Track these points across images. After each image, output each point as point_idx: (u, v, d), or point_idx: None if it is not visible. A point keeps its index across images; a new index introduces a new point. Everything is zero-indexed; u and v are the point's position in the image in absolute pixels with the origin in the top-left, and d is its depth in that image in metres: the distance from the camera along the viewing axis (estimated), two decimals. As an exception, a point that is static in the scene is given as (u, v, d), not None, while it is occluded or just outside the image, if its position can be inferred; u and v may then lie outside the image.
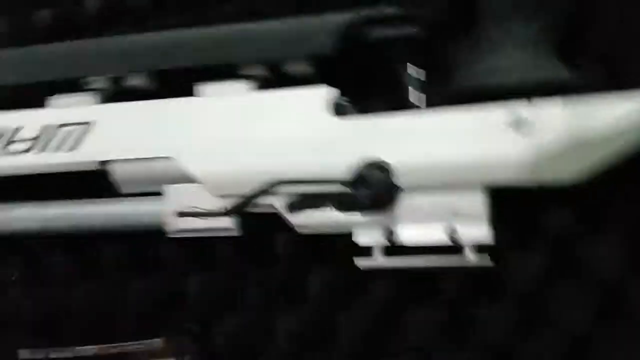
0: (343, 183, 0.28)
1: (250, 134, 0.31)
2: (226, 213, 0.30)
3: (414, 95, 0.32)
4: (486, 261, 0.29)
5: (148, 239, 0.34)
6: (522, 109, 0.28)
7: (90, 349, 0.34)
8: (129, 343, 0.33)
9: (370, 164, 0.28)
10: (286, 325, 0.33)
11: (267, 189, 0.29)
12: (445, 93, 0.31)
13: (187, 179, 0.32)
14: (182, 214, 0.31)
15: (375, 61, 0.33)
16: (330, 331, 0.32)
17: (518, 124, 0.28)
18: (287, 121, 0.31)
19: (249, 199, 0.30)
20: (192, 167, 0.32)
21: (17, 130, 0.34)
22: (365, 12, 0.31)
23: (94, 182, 0.34)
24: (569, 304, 0.30)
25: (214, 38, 0.32)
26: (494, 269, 0.29)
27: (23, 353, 0.35)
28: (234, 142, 0.31)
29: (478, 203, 0.29)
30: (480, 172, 0.28)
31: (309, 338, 0.32)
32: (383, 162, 0.28)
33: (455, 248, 0.29)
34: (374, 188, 0.28)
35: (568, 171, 0.27)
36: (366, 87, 0.33)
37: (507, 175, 0.28)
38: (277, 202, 0.31)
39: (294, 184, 0.29)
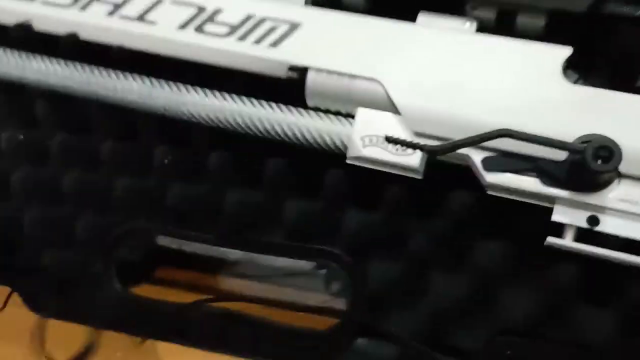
0: (572, 151, 0.26)
1: (469, 78, 0.29)
2: (428, 151, 0.29)
3: None
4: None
5: (315, 160, 0.33)
6: None
7: (232, 253, 0.34)
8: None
9: (598, 140, 0.26)
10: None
11: (489, 137, 0.27)
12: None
13: (385, 107, 0.31)
14: (389, 139, 0.29)
15: (610, 38, 0.31)
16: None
17: None
18: (514, 73, 0.29)
19: (462, 143, 0.28)
20: (398, 95, 0.30)
21: (217, 11, 0.33)
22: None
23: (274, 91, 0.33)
24: None
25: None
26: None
27: (162, 239, 0.35)
28: (449, 81, 0.30)
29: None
30: None
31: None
32: (612, 142, 0.26)
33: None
34: (593, 166, 0.26)
35: None
36: (592, 63, 0.31)
37: None
38: (477, 156, 0.30)
39: (520, 139, 0.27)
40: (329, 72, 0.31)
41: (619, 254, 0.28)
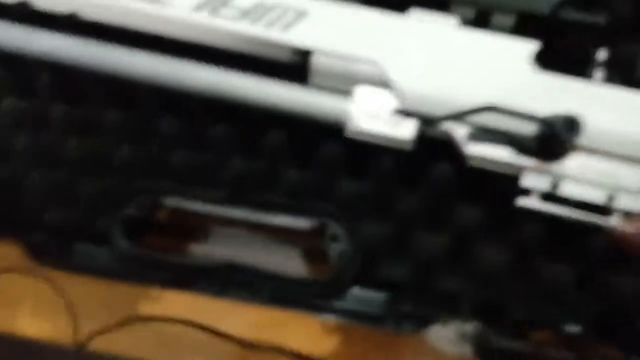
0: (546, 123, 0.32)
1: (453, 63, 0.35)
2: (424, 120, 0.33)
3: (597, 76, 0.36)
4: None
5: (312, 133, 0.37)
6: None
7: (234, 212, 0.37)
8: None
9: (563, 116, 0.32)
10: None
11: (477, 111, 0.32)
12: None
13: (381, 84, 0.35)
14: (393, 111, 0.34)
15: (566, 38, 0.37)
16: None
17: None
18: (491, 62, 0.34)
19: (454, 115, 0.33)
20: (394, 74, 0.35)
21: (229, -3, 0.37)
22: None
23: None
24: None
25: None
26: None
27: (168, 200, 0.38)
28: (437, 64, 0.35)
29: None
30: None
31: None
32: (575, 117, 0.32)
33: (605, 210, 0.33)
34: (562, 135, 0.32)
35: None
36: (552, 60, 0.37)
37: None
38: (460, 130, 0.35)
39: (501, 112, 0.32)
40: (333, 53, 0.36)
41: (576, 211, 0.34)
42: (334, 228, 0.35)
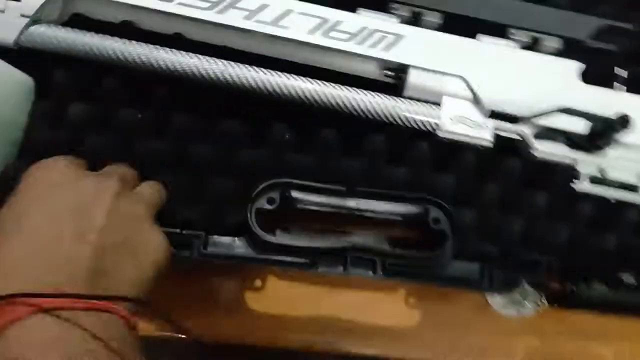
0: (596, 119, 0.41)
1: (520, 77, 0.44)
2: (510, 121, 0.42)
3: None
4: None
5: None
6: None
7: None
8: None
9: (620, 115, 0.42)
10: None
11: (551, 110, 0.42)
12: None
13: (464, 96, 0.44)
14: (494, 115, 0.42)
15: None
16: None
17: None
18: (549, 77, 0.44)
19: (523, 119, 0.42)
20: (476, 86, 0.43)
21: (338, 22, 0.44)
22: (613, 22, 0.45)
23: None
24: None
25: (510, 8, 0.45)
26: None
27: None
28: (507, 78, 0.44)
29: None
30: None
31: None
32: (627, 116, 0.42)
33: (635, 188, 0.44)
34: (612, 132, 0.42)
35: None
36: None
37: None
38: (526, 130, 0.44)
39: (573, 114, 0.42)
40: (426, 70, 0.44)
41: (618, 192, 0.44)
42: (436, 212, 0.42)
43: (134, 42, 0.43)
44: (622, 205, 0.44)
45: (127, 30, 0.45)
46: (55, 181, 0.36)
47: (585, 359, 0.48)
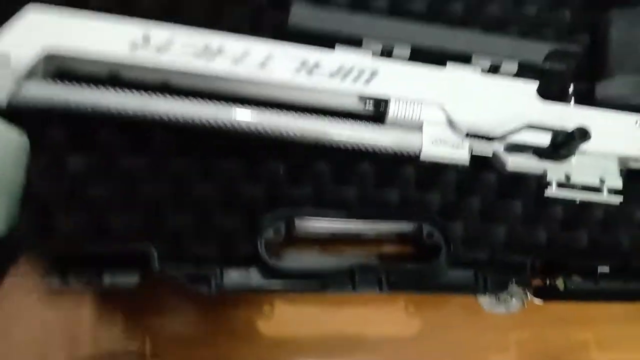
0: (558, 133, 0.47)
1: (488, 100, 0.48)
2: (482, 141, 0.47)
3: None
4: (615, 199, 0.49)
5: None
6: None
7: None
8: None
9: (579, 127, 0.47)
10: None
11: (519, 129, 0.46)
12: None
13: (441, 120, 0.48)
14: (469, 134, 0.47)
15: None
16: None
17: None
18: (512, 97, 0.49)
19: (495, 138, 0.47)
20: (452, 111, 0.48)
21: (318, 62, 0.47)
22: (560, 46, 0.51)
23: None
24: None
25: (471, 39, 0.50)
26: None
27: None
28: (478, 101, 0.48)
29: (615, 168, 0.49)
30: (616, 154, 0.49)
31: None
32: (586, 128, 0.47)
33: (597, 189, 0.49)
34: (575, 142, 0.47)
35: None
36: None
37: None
38: (497, 146, 0.48)
39: (536, 129, 0.47)
40: (406, 100, 0.48)
41: (585, 193, 0.49)
42: (428, 228, 0.46)
43: (126, 91, 0.45)
44: (588, 205, 0.49)
45: (117, 81, 0.47)
46: None
47: (571, 344, 0.54)
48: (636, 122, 0.50)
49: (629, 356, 0.58)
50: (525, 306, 0.51)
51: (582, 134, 0.46)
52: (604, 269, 0.48)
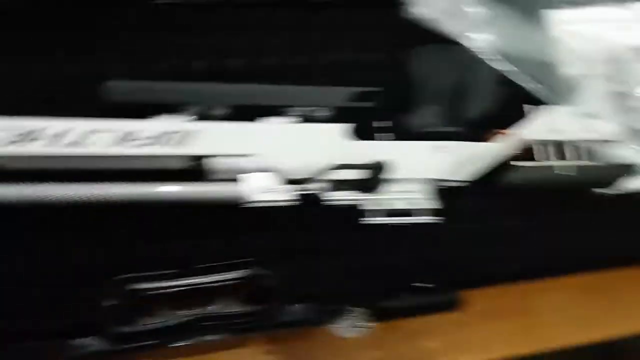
0: (367, 166, 0.52)
1: (301, 144, 0.54)
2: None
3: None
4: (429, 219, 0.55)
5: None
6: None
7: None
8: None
9: (376, 161, 0.53)
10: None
11: (333, 169, 0.51)
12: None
13: (264, 169, 0.52)
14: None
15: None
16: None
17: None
18: (326, 140, 0.54)
19: (312, 179, 0.51)
20: (272, 160, 0.52)
21: (137, 131, 0.50)
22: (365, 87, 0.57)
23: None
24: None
25: (284, 92, 0.55)
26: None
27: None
28: (295, 148, 0.53)
29: (420, 189, 0.56)
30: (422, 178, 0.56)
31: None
32: (382, 161, 0.53)
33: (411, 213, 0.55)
34: (374, 177, 0.53)
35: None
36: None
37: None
38: (319, 186, 0.53)
39: (339, 168, 0.52)
40: (223, 155, 0.52)
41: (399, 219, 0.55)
42: (259, 271, 0.50)
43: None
44: (405, 227, 0.55)
45: None
46: None
47: (420, 353, 0.59)
48: (433, 148, 0.57)
49: (478, 356, 0.64)
50: (374, 327, 0.56)
51: (378, 167, 0.52)
52: (424, 284, 0.54)
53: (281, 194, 0.52)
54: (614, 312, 0.69)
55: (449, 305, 0.55)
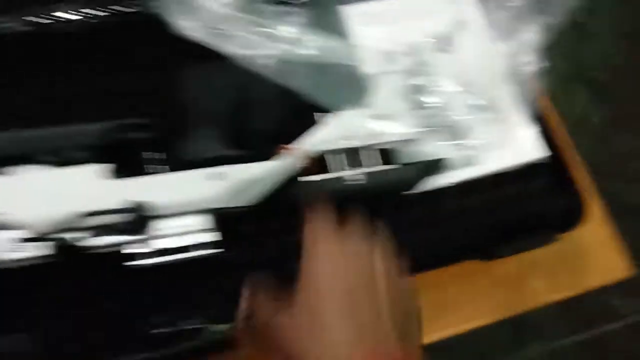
0: (121, 210, 0.49)
1: (51, 195, 0.50)
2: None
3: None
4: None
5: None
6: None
7: None
8: None
9: (135, 203, 0.50)
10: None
11: (79, 220, 0.48)
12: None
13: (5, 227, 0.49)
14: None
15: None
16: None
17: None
18: (82, 184, 0.51)
19: (69, 229, 0.49)
20: (14, 216, 0.49)
21: None
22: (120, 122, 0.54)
23: None
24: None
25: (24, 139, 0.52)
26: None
27: None
28: (40, 198, 0.50)
29: (197, 221, 0.53)
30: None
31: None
32: (139, 202, 0.50)
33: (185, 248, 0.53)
34: (137, 218, 0.50)
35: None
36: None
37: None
38: (83, 234, 0.50)
39: (91, 215, 0.49)
40: None
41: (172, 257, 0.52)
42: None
43: None
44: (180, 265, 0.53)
45: None
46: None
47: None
48: (208, 175, 0.54)
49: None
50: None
51: (136, 208, 0.50)
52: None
53: (39, 249, 0.49)
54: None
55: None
